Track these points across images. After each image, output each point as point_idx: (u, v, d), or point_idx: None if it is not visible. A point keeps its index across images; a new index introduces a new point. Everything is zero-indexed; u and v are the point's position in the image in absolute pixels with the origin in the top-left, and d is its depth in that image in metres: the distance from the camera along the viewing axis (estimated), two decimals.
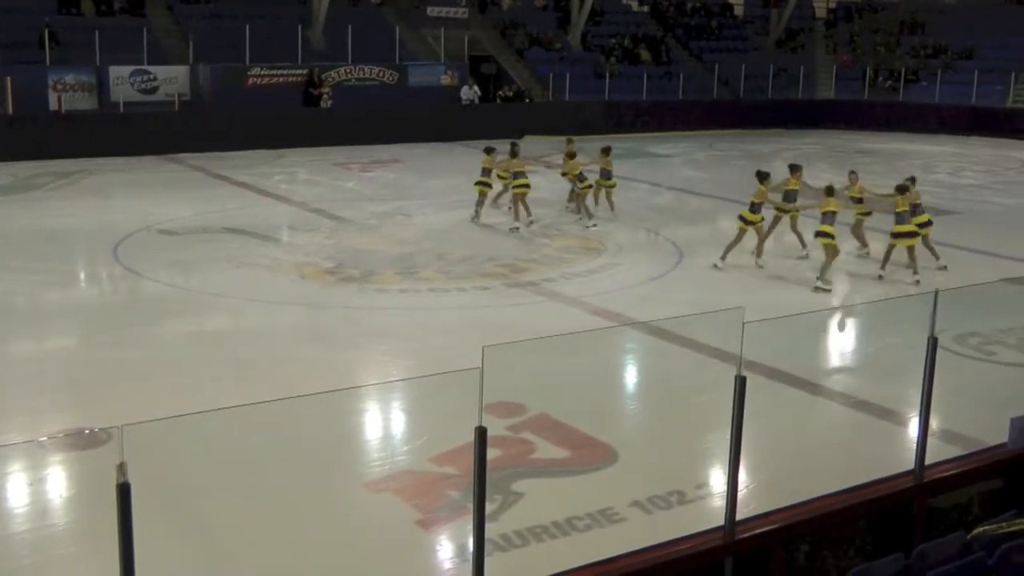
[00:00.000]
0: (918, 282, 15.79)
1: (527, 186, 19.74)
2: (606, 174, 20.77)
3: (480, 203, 20.31)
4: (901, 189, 16.26)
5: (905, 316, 12.52)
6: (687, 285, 16.04)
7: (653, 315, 13.05)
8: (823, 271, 15.82)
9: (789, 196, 17.61)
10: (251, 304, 14.58)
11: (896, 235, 16.13)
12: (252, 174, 25.51)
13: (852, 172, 18.10)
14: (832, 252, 15.92)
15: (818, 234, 16.05)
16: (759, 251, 17.01)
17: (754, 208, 16.76)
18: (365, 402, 10.49)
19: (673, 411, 10.58)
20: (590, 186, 20.34)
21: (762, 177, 17.01)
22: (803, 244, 17.51)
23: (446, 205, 22.10)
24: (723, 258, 16.78)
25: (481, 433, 5.64)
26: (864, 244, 17.66)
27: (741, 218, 16.86)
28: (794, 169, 17.81)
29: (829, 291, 15.68)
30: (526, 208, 19.67)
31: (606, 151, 20.76)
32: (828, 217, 15.88)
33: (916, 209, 16.59)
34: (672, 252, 18.09)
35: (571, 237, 18.98)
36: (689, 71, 39.20)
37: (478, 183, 20.29)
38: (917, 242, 16.27)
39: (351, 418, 9.99)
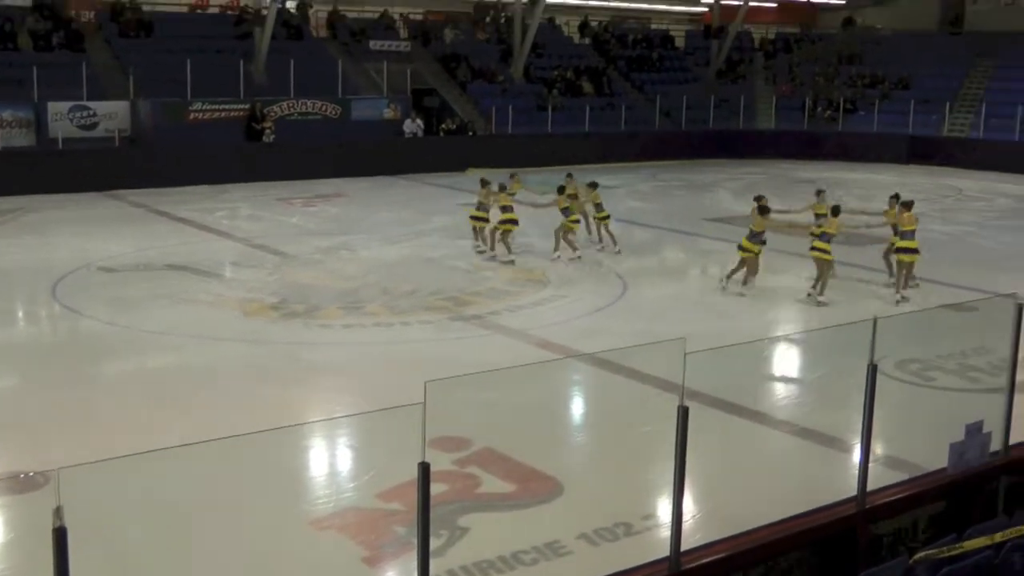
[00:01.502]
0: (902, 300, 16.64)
1: (514, 222, 19.88)
2: (596, 207, 20.88)
3: (479, 235, 20.36)
4: (902, 203, 17.22)
5: (847, 343, 12.61)
6: (632, 316, 16.12)
7: (598, 347, 13.06)
8: (818, 285, 16.63)
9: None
10: (193, 341, 14.43)
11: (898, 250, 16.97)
12: (194, 210, 25.32)
13: (820, 191, 18.93)
14: (825, 266, 16.64)
15: (812, 248, 16.78)
16: (744, 278, 17.43)
17: (753, 237, 17.25)
18: (310, 439, 10.38)
19: (619, 442, 10.58)
20: (577, 221, 20.24)
21: (763, 210, 17.50)
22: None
23: (390, 239, 22.07)
24: (728, 278, 17.42)
25: (424, 469, 5.60)
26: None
27: (740, 247, 17.40)
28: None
29: (827, 304, 16.32)
30: (506, 244, 19.82)
31: (592, 185, 20.83)
32: (825, 236, 16.63)
33: (898, 230, 17.31)
34: (616, 283, 18.17)
35: (516, 270, 19.00)
36: (631, 102, 39.53)
37: (473, 217, 20.37)
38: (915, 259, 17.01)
39: (296, 455, 9.90)
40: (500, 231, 19.77)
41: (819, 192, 19.00)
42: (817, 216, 18.17)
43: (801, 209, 19.55)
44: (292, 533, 8.58)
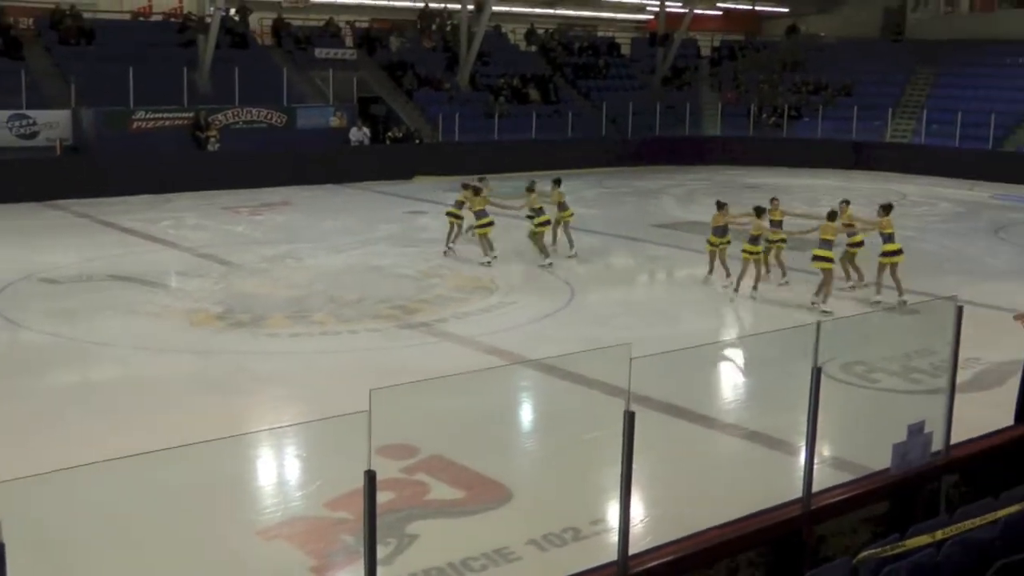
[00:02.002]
0: (885, 302, 16.53)
1: (490, 224, 20.30)
2: (561, 206, 21.12)
3: (450, 236, 20.68)
4: (886, 209, 17.26)
5: (794, 346, 12.74)
6: (579, 322, 16.16)
7: (545, 352, 13.09)
8: (821, 293, 16.48)
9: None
10: (138, 353, 14.27)
11: (885, 254, 17.00)
12: (138, 219, 25.05)
13: (844, 201, 18.73)
14: (829, 275, 16.58)
15: (815, 258, 16.70)
16: (710, 270, 18.46)
17: (717, 231, 18.16)
18: (257, 448, 10.29)
19: (567, 448, 10.59)
20: (548, 222, 20.53)
21: (720, 205, 18.35)
22: (784, 273, 18.47)
23: (337, 247, 21.98)
24: (707, 278, 18.44)
25: (370, 477, 5.57)
26: (860, 276, 18.17)
27: (708, 242, 18.39)
28: (773, 200, 18.91)
29: (831, 313, 15.74)
30: (489, 244, 20.20)
31: (556, 183, 21.47)
32: (825, 243, 16.60)
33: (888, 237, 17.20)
34: (564, 289, 18.21)
35: (463, 277, 19.00)
36: (577, 109, 39.65)
37: (479, 225, 20.37)
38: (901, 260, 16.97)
39: (242, 465, 9.80)
40: (538, 233, 20.19)
41: (842, 201, 18.64)
42: (773, 223, 18.46)
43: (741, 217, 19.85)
44: (240, 543, 8.50)
